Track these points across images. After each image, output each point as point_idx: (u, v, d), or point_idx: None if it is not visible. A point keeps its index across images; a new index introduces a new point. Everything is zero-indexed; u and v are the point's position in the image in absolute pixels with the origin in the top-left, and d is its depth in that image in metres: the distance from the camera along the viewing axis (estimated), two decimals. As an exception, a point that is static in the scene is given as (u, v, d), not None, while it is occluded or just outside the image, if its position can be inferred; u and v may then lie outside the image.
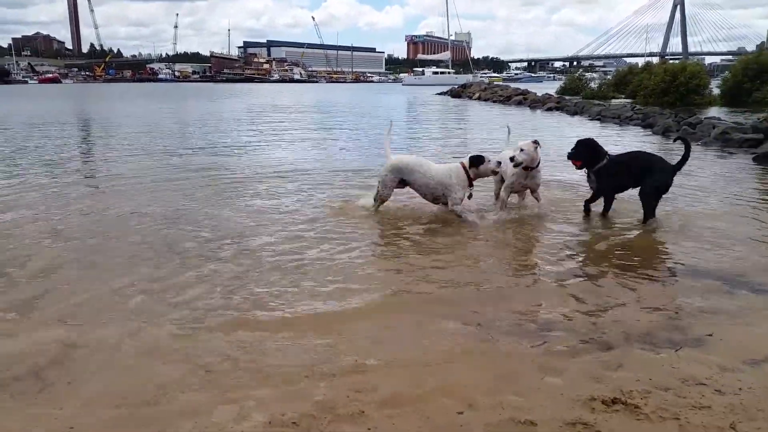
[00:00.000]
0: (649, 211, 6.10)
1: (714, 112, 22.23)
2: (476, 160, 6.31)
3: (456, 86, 57.67)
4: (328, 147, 14.19)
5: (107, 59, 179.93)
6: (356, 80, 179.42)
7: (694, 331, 3.67)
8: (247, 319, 3.91)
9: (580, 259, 5.25)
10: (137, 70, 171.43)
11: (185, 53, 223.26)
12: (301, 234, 5.92)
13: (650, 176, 6.04)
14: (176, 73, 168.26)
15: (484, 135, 16.86)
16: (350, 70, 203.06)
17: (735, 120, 16.36)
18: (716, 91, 28.55)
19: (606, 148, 6.34)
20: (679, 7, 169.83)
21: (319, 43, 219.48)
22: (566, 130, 18.04)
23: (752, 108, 21.33)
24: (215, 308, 4.08)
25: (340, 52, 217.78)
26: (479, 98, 43.13)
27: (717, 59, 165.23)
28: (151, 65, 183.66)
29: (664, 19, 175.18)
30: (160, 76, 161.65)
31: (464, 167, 6.33)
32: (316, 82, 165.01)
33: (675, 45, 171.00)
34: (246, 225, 6.30)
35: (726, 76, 29.56)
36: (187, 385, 3.05)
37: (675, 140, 7.23)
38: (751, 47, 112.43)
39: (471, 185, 6.39)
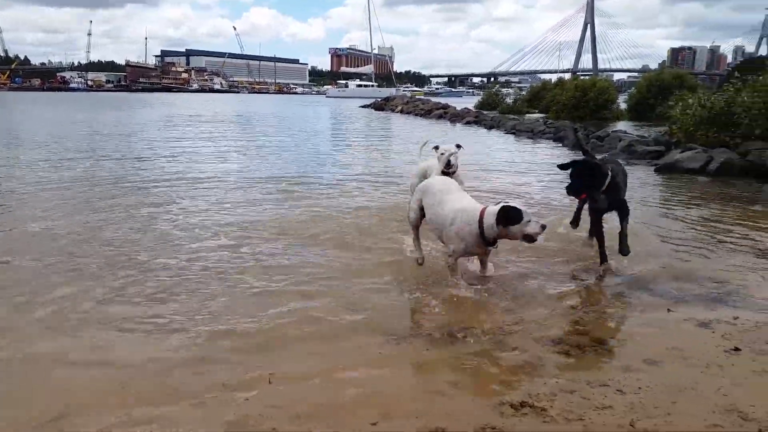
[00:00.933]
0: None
1: (622, 125, 23.49)
2: (507, 217, 4.28)
3: (379, 99, 58.33)
4: (247, 158, 13.95)
5: (13, 66, 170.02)
6: (279, 91, 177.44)
7: (598, 334, 3.83)
8: (154, 334, 3.76)
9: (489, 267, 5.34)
10: (47, 78, 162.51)
11: (99, 62, 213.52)
12: (213, 246, 5.79)
13: None
14: (89, 82, 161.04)
15: (409, 146, 17.04)
16: (273, 81, 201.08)
17: (639, 133, 17.36)
18: (623, 106, 30.23)
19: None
20: (589, 26, 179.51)
21: (240, 53, 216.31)
22: (485, 143, 18.57)
23: (655, 122, 22.68)
24: (113, 321, 3.91)
25: (262, 62, 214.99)
26: (401, 111, 43.75)
27: (624, 76, 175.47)
28: (63, 74, 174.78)
29: (575, 37, 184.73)
30: (72, 85, 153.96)
31: (481, 218, 4.40)
32: (238, 92, 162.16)
33: (586, 61, 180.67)
34: (156, 238, 6.09)
35: (632, 92, 31.35)
36: (90, 405, 2.90)
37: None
38: (654, 65, 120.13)
39: (490, 244, 4.52)
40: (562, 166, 5.09)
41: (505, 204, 4.35)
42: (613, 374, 3.26)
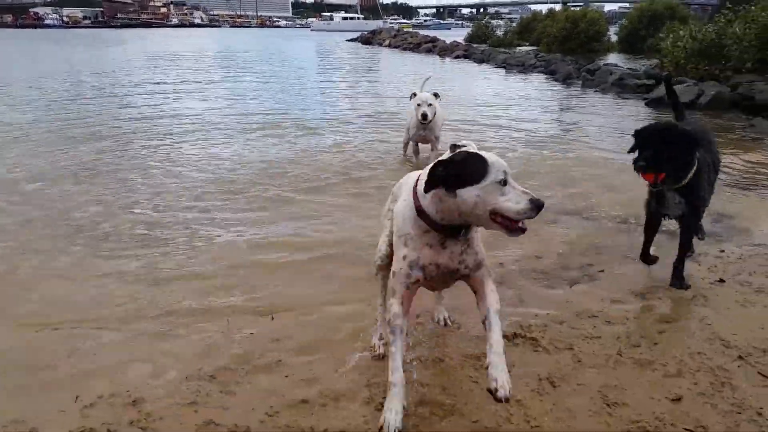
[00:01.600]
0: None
1: (612, 58, 23.23)
2: (445, 176, 2.15)
3: (366, 32, 56.88)
4: (234, 99, 13.72)
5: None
6: (262, 25, 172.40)
7: (588, 268, 3.97)
8: (159, 276, 3.86)
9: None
10: (19, 14, 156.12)
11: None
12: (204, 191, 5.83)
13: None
14: (65, 19, 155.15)
15: (395, 86, 16.82)
16: (255, 14, 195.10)
17: (630, 66, 17.21)
18: (614, 38, 29.80)
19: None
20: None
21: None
22: (476, 80, 18.36)
23: (646, 54, 22.45)
24: (121, 266, 4.00)
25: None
26: (389, 45, 42.85)
27: (615, 7, 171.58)
28: (35, 9, 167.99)
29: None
30: (47, 21, 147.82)
31: (415, 193, 2.32)
32: (219, 26, 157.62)
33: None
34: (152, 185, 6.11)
35: (623, 24, 30.82)
36: (98, 345, 3.02)
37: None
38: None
39: (446, 232, 2.29)
40: (638, 134, 3.40)
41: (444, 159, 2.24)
42: (602, 306, 3.41)
